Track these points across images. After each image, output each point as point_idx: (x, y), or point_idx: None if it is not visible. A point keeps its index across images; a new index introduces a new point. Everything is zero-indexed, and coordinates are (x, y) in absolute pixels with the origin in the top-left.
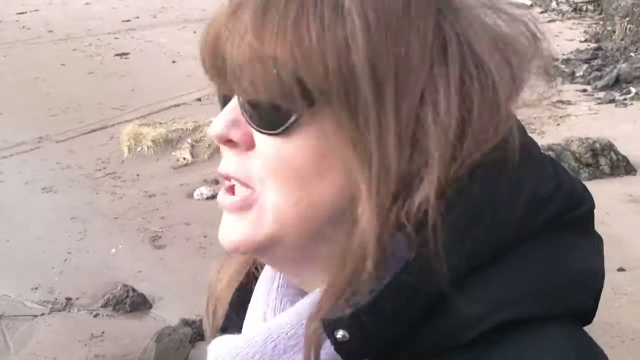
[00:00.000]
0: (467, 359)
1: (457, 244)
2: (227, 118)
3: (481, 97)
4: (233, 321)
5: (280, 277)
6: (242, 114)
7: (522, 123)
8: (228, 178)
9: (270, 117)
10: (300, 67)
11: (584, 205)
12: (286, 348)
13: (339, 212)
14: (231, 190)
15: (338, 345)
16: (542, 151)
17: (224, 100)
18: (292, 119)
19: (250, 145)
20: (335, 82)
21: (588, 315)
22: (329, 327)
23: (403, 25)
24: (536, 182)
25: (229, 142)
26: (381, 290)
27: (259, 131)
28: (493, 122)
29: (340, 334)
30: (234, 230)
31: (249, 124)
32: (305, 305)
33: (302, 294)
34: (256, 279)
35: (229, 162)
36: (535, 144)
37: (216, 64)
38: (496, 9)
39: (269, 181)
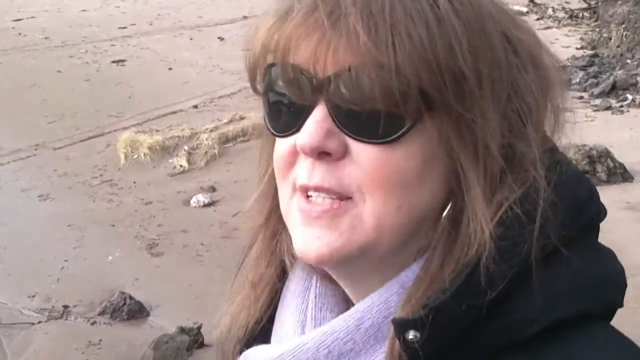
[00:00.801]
0: (525, 357)
1: (536, 236)
2: (322, 129)
3: (547, 93)
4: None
5: (317, 287)
6: (336, 123)
7: None
8: (318, 190)
9: (379, 126)
10: (420, 73)
11: (601, 212)
12: (341, 354)
13: (430, 213)
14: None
15: (407, 345)
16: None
17: (293, 110)
18: (407, 125)
19: (342, 155)
20: (449, 81)
21: (615, 311)
22: (401, 327)
23: (490, 32)
24: (573, 186)
25: (323, 153)
26: (456, 289)
27: (362, 141)
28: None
29: (411, 335)
30: (323, 241)
31: (345, 133)
32: (362, 310)
33: (342, 302)
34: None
35: (317, 173)
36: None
37: (297, 75)
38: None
39: (370, 190)
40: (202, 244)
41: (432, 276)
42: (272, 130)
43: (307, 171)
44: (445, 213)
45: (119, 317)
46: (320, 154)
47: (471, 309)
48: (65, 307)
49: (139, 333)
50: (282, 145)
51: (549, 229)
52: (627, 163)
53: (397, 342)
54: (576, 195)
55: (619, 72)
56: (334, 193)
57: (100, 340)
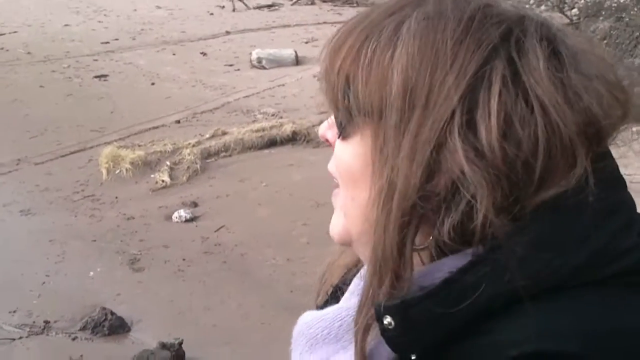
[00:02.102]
0: None
1: (514, 271)
2: (328, 122)
3: (536, 136)
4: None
5: None
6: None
7: None
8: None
9: (337, 123)
10: (350, 87)
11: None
12: (349, 328)
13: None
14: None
15: (384, 331)
16: (634, 207)
17: None
18: (343, 127)
19: None
20: (370, 100)
21: None
22: (378, 312)
23: (444, 59)
24: (614, 234)
25: (327, 141)
26: (432, 290)
27: (337, 134)
28: (560, 165)
29: (387, 320)
30: (332, 222)
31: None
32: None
33: None
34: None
35: (332, 158)
36: (629, 197)
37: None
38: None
39: (339, 179)
40: (183, 259)
41: (420, 272)
42: None
43: None
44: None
45: (100, 333)
46: (327, 142)
47: (446, 316)
48: (47, 322)
49: (120, 348)
50: None
51: (537, 266)
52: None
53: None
54: (607, 244)
55: None
56: (333, 177)
57: (82, 355)
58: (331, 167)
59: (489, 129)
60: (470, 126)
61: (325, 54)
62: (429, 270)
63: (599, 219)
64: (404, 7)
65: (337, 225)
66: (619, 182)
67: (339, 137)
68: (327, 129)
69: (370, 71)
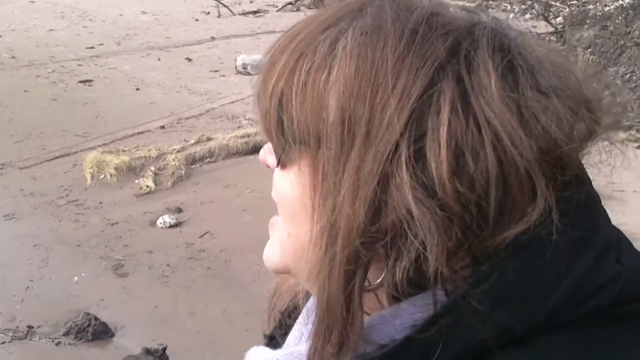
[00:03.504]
0: None
1: (481, 325)
2: (269, 146)
3: (489, 170)
4: (282, 330)
5: None
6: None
7: None
8: None
9: (274, 150)
10: (283, 112)
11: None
12: None
13: None
14: None
15: None
16: (613, 232)
17: None
18: (279, 156)
19: None
20: (306, 127)
21: None
22: None
23: (385, 80)
24: (587, 270)
25: (268, 166)
26: (392, 349)
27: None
28: (519, 200)
29: None
30: (267, 252)
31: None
32: None
33: None
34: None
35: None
36: (604, 224)
37: None
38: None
39: (278, 207)
40: (168, 265)
41: (375, 320)
42: None
43: None
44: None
45: (83, 338)
46: (269, 167)
47: None
48: (30, 327)
49: (103, 354)
50: None
51: (505, 314)
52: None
53: None
54: (582, 283)
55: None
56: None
57: None
58: (273, 194)
59: (438, 163)
60: (418, 158)
61: (262, 68)
62: (385, 319)
63: (568, 257)
64: (340, 20)
65: (273, 256)
66: (590, 210)
67: (276, 166)
68: (267, 153)
69: (305, 95)
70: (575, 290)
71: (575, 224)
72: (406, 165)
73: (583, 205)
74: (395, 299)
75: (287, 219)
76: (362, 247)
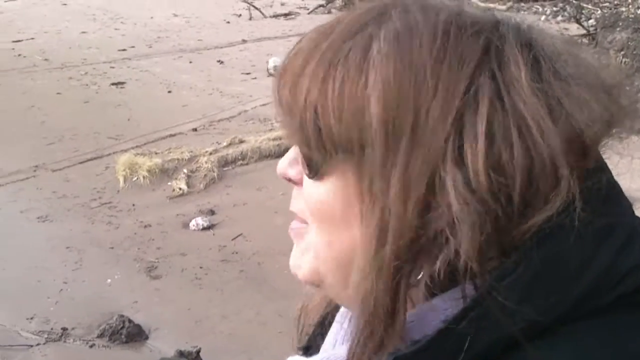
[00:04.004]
0: None
1: (505, 314)
2: (289, 157)
3: (525, 160)
4: (317, 342)
5: None
6: (298, 153)
7: None
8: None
9: (307, 161)
10: (320, 122)
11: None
12: None
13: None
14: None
15: None
16: (636, 219)
17: None
18: (317, 166)
19: (302, 183)
20: (347, 136)
21: None
22: None
23: (426, 81)
24: (611, 258)
25: (290, 180)
26: (425, 344)
27: (305, 172)
28: (546, 188)
29: None
30: (292, 256)
31: (301, 163)
32: None
33: None
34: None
35: (293, 197)
36: (626, 212)
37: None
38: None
39: (310, 220)
40: (201, 267)
41: (410, 317)
42: None
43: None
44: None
45: (117, 340)
46: (290, 180)
47: None
48: (64, 329)
49: (137, 356)
50: None
51: (533, 305)
52: (624, 189)
53: None
54: (608, 268)
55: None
56: (298, 218)
57: None
58: (297, 207)
59: (476, 158)
60: (460, 155)
61: (282, 78)
62: (418, 317)
63: (592, 245)
64: (365, 26)
65: (304, 265)
66: (612, 197)
67: (310, 176)
68: (288, 166)
69: (343, 104)
70: (600, 278)
71: (598, 211)
72: (451, 162)
73: (604, 193)
74: (426, 296)
75: (326, 228)
76: (411, 246)
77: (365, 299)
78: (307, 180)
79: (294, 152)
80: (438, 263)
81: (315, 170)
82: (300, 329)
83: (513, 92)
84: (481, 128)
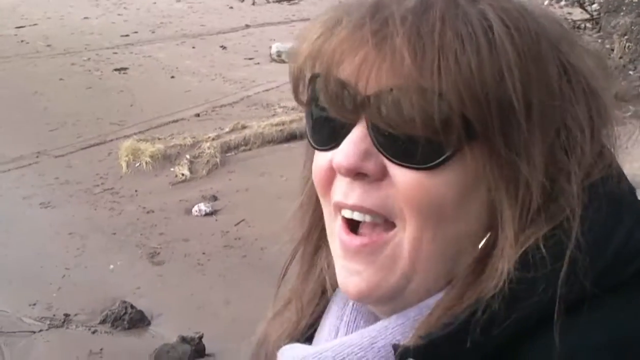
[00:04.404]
0: None
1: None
2: (359, 149)
3: (599, 120)
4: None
5: None
6: (375, 144)
7: None
8: (356, 209)
9: (417, 151)
10: (465, 101)
11: None
12: None
13: (466, 245)
14: (350, 225)
15: None
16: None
17: (332, 126)
18: (446, 154)
19: (381, 176)
20: (495, 112)
21: None
22: (401, 354)
23: (546, 62)
24: (629, 229)
25: (360, 174)
26: (458, 324)
27: (400, 164)
28: (605, 146)
29: None
30: (362, 276)
31: (384, 155)
32: (378, 329)
33: (376, 315)
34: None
35: (355, 193)
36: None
37: (339, 90)
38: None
39: (410, 215)
40: (203, 253)
41: (446, 307)
42: (312, 143)
43: (344, 189)
44: (480, 245)
45: (120, 326)
46: (358, 174)
47: (476, 347)
48: (67, 315)
49: (140, 342)
50: (321, 159)
51: (579, 274)
52: (629, 175)
53: None
54: (611, 236)
55: (622, 83)
56: (376, 214)
57: (102, 349)
58: (373, 203)
59: (578, 127)
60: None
61: (396, 63)
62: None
63: (617, 215)
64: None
65: (393, 278)
66: (624, 174)
67: (421, 168)
68: (363, 159)
69: (471, 87)
70: (622, 249)
71: (625, 182)
72: (571, 133)
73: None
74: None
75: (433, 221)
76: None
77: (496, 267)
78: (405, 172)
79: (361, 143)
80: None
81: (434, 159)
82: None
83: (574, 60)
84: (578, 99)
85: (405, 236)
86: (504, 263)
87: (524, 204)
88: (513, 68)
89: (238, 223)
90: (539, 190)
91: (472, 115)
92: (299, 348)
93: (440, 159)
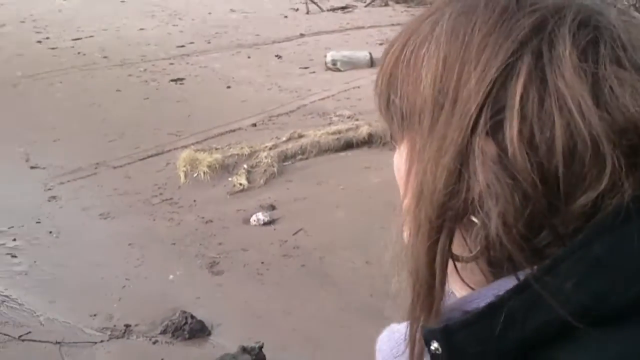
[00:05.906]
0: None
1: (566, 300)
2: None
3: (563, 138)
4: None
5: None
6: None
7: None
8: None
9: (391, 132)
10: (392, 91)
11: None
12: None
13: None
14: None
15: (433, 357)
16: None
17: None
18: (394, 136)
19: None
20: (407, 105)
21: None
22: (426, 337)
23: (471, 52)
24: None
25: None
26: (474, 315)
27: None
28: (589, 167)
29: (434, 345)
30: None
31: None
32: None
33: None
34: None
35: None
36: None
37: None
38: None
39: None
40: (262, 263)
41: (472, 295)
42: None
43: None
44: None
45: (180, 336)
46: None
47: (493, 343)
48: (127, 326)
49: (200, 352)
50: None
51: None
52: None
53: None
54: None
55: None
56: None
57: (162, 359)
58: None
59: (511, 133)
60: (496, 129)
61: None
62: (480, 294)
63: None
64: (443, 7)
65: None
66: None
67: (393, 146)
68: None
69: (408, 72)
70: None
71: None
72: (485, 134)
73: None
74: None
75: (402, 187)
76: (441, 210)
77: (409, 258)
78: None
79: None
80: (479, 239)
81: (394, 140)
82: None
83: (555, 70)
84: (515, 104)
85: None
86: None
87: (418, 193)
88: (426, 70)
89: (296, 232)
90: (430, 187)
91: (396, 107)
92: (391, 328)
93: (396, 141)
